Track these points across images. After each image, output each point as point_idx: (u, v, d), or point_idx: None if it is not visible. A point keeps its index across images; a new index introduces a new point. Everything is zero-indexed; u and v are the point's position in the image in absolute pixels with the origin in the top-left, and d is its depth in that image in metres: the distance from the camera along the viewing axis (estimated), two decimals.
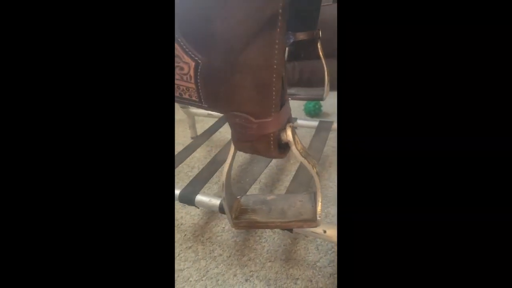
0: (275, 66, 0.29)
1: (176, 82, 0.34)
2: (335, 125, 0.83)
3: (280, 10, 0.26)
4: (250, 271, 0.57)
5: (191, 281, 0.56)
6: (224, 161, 0.41)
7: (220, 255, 0.61)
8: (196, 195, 0.57)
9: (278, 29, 0.27)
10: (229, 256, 0.61)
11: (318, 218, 0.39)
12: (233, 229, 0.68)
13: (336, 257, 0.58)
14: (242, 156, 0.91)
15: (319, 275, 0.55)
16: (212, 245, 0.64)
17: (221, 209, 0.54)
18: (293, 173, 0.84)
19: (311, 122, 0.87)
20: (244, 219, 0.42)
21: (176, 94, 0.36)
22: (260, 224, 0.41)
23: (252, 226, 0.41)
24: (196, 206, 0.58)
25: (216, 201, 0.54)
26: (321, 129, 0.82)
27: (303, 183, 0.58)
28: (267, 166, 0.71)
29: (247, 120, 0.33)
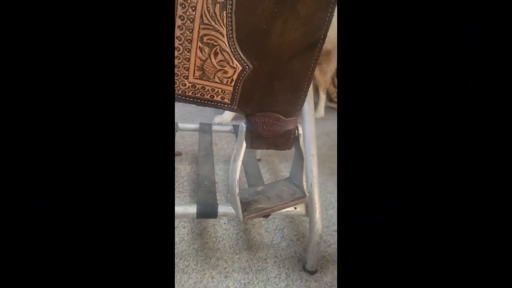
0: (309, 76, 0.38)
1: (214, 85, 0.35)
2: (214, 127, 0.90)
3: (322, 36, 0.35)
4: (225, 268, 0.59)
5: None
6: None
7: (187, 266, 0.59)
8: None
9: (318, 49, 0.36)
10: (197, 264, 0.60)
11: (307, 194, 0.50)
12: (188, 232, 0.66)
13: (283, 233, 0.70)
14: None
15: (279, 249, 0.66)
16: None
17: (199, 215, 0.53)
18: (220, 172, 0.90)
19: (192, 125, 0.92)
20: (252, 209, 0.46)
21: (207, 97, 0.36)
22: (267, 210, 0.47)
23: (261, 214, 0.47)
24: None
25: (193, 209, 0.53)
26: (203, 130, 0.87)
27: (257, 176, 0.66)
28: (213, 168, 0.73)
29: (277, 118, 0.39)
